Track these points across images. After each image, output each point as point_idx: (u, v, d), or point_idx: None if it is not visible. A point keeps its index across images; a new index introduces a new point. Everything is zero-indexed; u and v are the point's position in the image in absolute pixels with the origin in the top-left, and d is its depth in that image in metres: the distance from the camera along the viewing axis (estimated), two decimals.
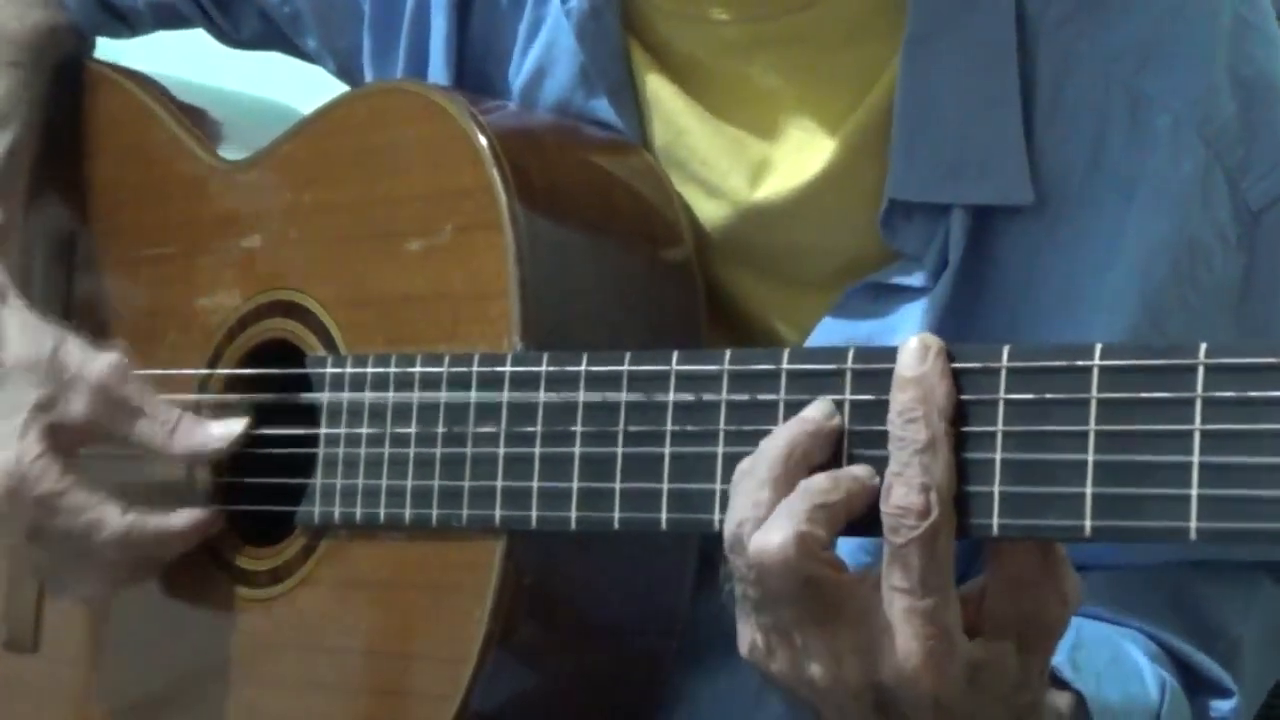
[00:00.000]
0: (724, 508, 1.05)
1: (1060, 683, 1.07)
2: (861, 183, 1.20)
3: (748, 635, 1.01)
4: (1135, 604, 1.18)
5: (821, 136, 1.21)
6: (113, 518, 1.30)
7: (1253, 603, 1.22)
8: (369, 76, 1.40)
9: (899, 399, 0.96)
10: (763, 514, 0.98)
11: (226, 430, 1.30)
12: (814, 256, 1.24)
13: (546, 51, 1.30)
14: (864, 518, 0.98)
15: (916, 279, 1.20)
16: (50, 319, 1.36)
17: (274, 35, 1.49)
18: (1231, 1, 1.19)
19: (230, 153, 1.39)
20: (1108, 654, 1.14)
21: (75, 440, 1.33)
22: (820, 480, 0.98)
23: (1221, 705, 1.19)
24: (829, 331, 1.22)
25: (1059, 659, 1.06)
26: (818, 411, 1.01)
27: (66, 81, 1.49)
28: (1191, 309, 1.17)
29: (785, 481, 0.99)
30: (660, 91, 1.27)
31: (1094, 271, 1.17)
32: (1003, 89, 1.18)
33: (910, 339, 0.98)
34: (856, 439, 1.00)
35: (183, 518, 1.31)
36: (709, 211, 1.26)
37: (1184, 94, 1.17)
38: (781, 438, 1.00)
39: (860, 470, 0.99)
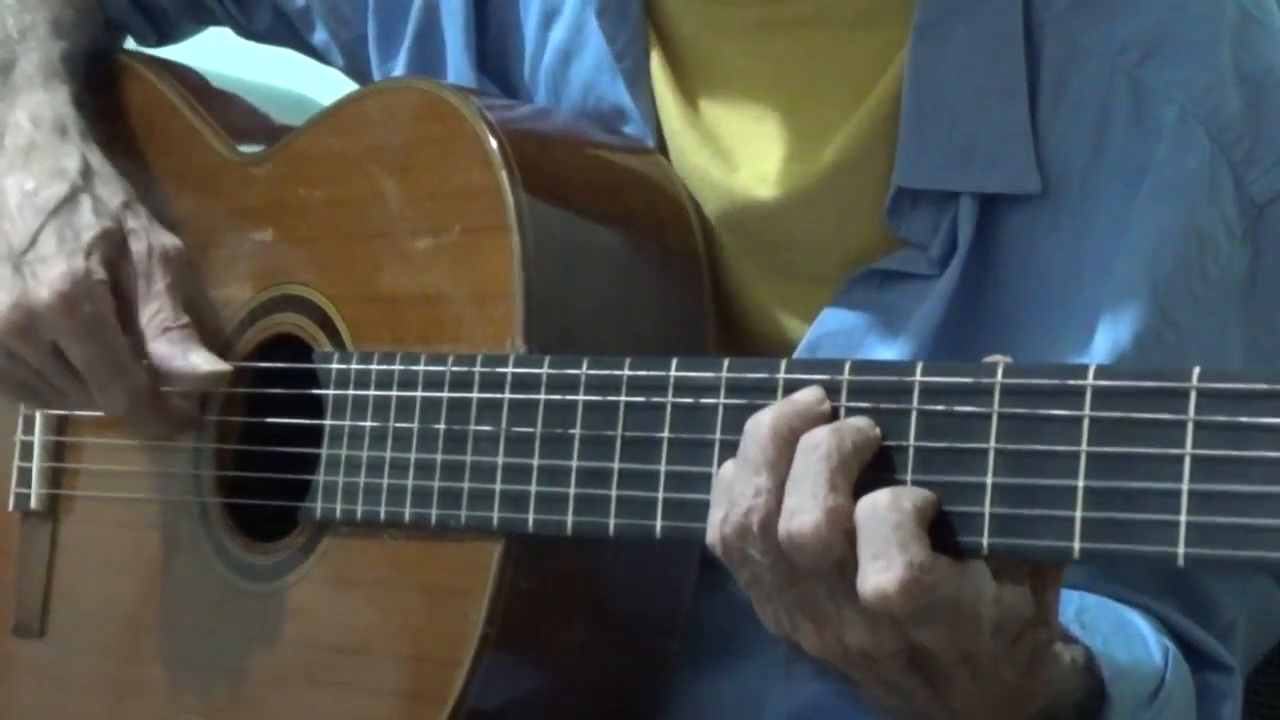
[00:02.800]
0: None
1: (1070, 638, 1.07)
2: (869, 172, 1.21)
3: (770, 615, 1.01)
4: (1135, 584, 1.18)
5: (830, 126, 1.22)
6: (142, 374, 1.30)
7: (1245, 588, 1.22)
8: (374, 63, 1.40)
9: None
10: (766, 499, 0.97)
11: (205, 363, 1.30)
12: (820, 248, 1.24)
13: (574, 34, 1.31)
14: (868, 476, 0.97)
15: (921, 266, 1.20)
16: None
17: (285, 29, 1.49)
18: None
19: (247, 145, 1.39)
20: (1112, 618, 1.14)
21: (116, 282, 1.32)
22: (822, 435, 0.97)
23: (1220, 680, 1.19)
24: (832, 320, 1.22)
25: (1066, 618, 1.06)
26: (808, 395, 1.00)
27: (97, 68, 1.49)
28: (1199, 300, 1.17)
29: (781, 462, 0.98)
30: (667, 84, 1.27)
31: (1098, 260, 1.17)
32: (1010, 77, 1.18)
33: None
34: None
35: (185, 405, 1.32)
36: (716, 206, 1.26)
37: (1189, 87, 1.17)
38: (767, 417, 0.99)
39: (860, 420, 0.98)
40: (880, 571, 0.94)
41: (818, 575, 0.97)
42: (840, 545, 0.96)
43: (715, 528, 1.00)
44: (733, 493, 0.99)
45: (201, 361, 1.30)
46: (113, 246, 1.31)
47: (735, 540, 0.99)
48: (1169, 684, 1.14)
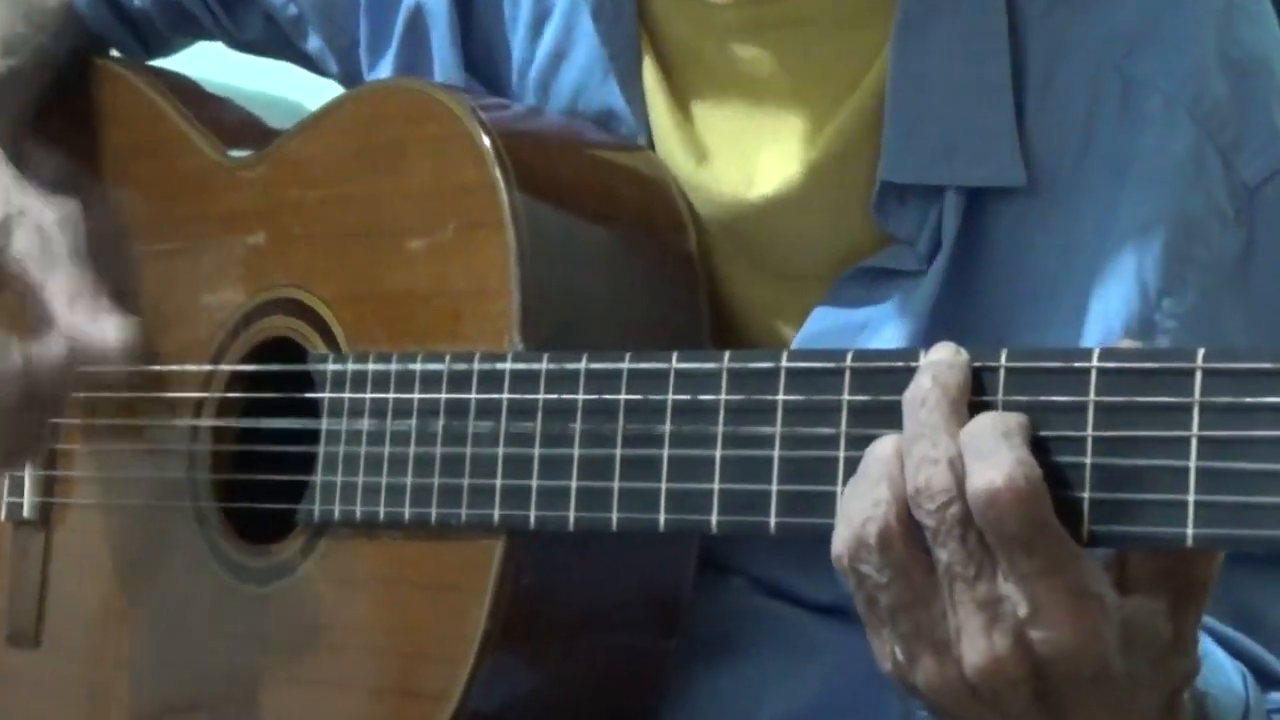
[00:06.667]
0: (721, 509, 1.05)
1: None
2: (856, 170, 1.21)
3: (887, 649, 0.97)
4: None
5: (816, 124, 1.22)
6: (15, 350, 1.28)
7: None
8: (365, 68, 1.40)
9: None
10: (885, 510, 0.95)
11: (116, 330, 1.28)
12: (809, 247, 1.24)
13: (564, 35, 1.31)
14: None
15: (910, 263, 1.20)
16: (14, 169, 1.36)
17: (277, 38, 1.49)
18: None
19: (237, 150, 1.39)
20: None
21: (9, 279, 1.31)
22: (923, 388, 0.94)
23: (1276, 696, 1.18)
24: (823, 319, 1.22)
25: None
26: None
27: (77, 72, 1.49)
28: (1191, 285, 1.16)
29: (901, 476, 0.95)
30: (656, 83, 1.27)
31: (1086, 252, 1.17)
32: (994, 72, 1.19)
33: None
34: (855, 441, 1.00)
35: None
36: (704, 208, 1.26)
37: (1173, 74, 1.17)
38: (891, 437, 0.96)
39: (939, 352, 0.96)
40: (990, 468, 0.91)
41: (940, 566, 0.94)
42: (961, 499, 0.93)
43: (835, 542, 0.97)
44: (849, 507, 0.96)
45: (109, 328, 1.29)
46: None
47: (851, 555, 0.96)
48: (1252, 708, 1.12)
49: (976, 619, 0.93)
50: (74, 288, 1.30)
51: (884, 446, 0.96)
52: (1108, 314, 1.16)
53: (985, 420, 0.93)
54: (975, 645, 0.93)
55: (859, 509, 0.95)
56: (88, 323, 1.29)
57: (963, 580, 0.93)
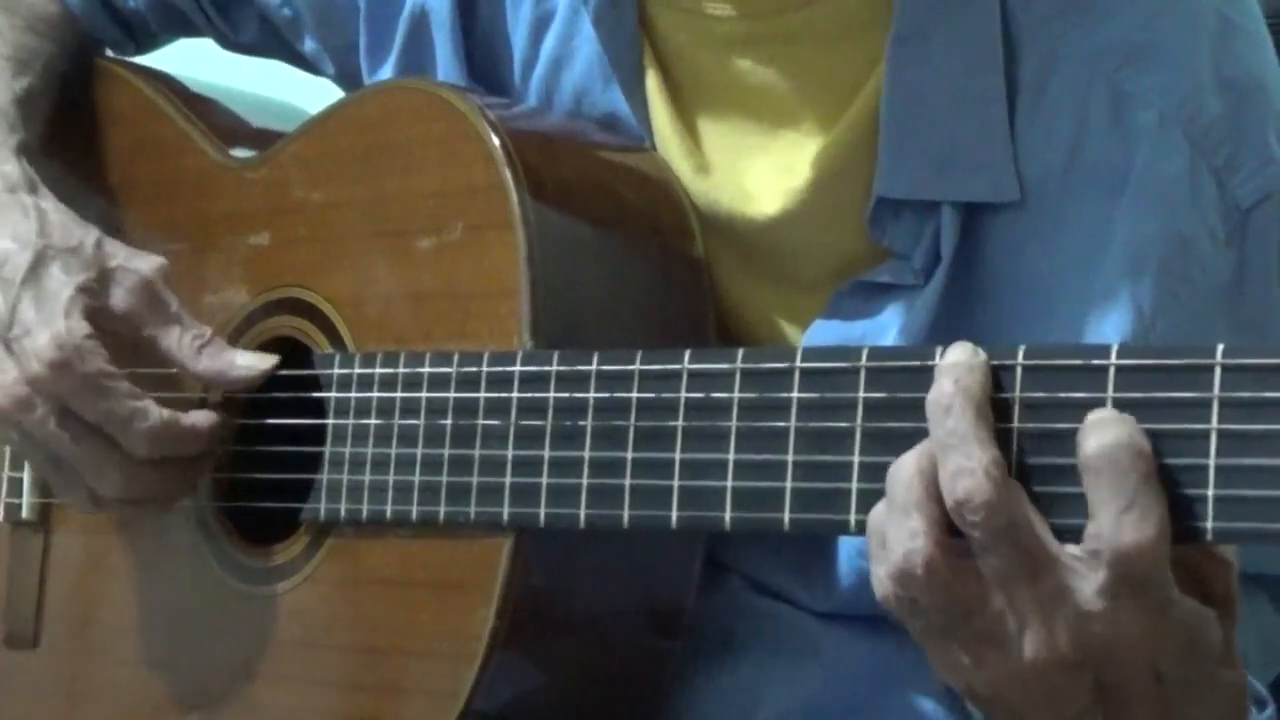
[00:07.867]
0: (735, 505, 1.05)
1: None
2: (852, 183, 1.21)
3: (952, 659, 0.97)
4: None
5: (813, 137, 1.22)
6: (154, 409, 1.27)
7: (1252, 619, 1.21)
8: (365, 70, 1.40)
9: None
10: (923, 541, 0.94)
11: (254, 362, 1.30)
12: (807, 259, 1.25)
13: (564, 42, 1.31)
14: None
15: (906, 277, 1.21)
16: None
17: (272, 39, 1.49)
18: (1215, 2, 1.20)
19: (239, 151, 1.39)
20: None
21: (112, 330, 1.30)
22: (946, 393, 0.94)
23: (1259, 717, 1.18)
24: (821, 333, 1.22)
25: None
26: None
27: (80, 74, 1.49)
28: (1184, 304, 1.17)
29: (928, 500, 0.95)
30: (658, 92, 1.28)
31: (1079, 266, 1.17)
32: (989, 86, 1.19)
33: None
34: (870, 435, 1.00)
35: (204, 416, 1.30)
36: (703, 217, 1.26)
37: (1168, 92, 1.17)
38: (909, 458, 0.96)
39: (957, 353, 0.96)
40: (1137, 525, 0.89)
41: (999, 563, 0.94)
42: (1010, 499, 0.93)
43: (880, 582, 0.97)
44: (888, 542, 0.96)
45: (250, 362, 1.30)
46: (92, 297, 1.30)
47: (899, 588, 0.96)
48: None
49: (1037, 614, 0.93)
50: (195, 337, 1.30)
51: (904, 469, 0.96)
52: (1102, 331, 1.16)
53: (1124, 451, 0.91)
54: (1035, 641, 0.94)
55: (897, 541, 0.95)
56: (225, 367, 1.30)
57: (1020, 580, 0.93)
